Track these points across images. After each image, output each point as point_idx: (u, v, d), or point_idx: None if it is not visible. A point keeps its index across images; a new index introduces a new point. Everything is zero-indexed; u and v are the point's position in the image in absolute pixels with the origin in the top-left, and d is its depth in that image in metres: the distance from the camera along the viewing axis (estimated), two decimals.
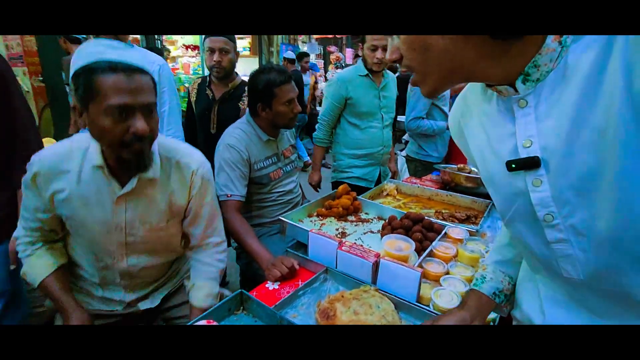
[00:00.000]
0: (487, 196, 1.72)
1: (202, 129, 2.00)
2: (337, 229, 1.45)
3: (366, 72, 2.05)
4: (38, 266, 1.06)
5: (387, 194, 1.90)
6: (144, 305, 1.19)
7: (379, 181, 2.26)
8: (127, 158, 0.91)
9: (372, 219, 1.56)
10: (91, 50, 1.45)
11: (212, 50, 1.85)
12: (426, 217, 1.37)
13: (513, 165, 0.50)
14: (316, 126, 2.22)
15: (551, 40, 0.45)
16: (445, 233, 1.30)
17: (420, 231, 1.28)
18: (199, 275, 1.16)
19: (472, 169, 1.96)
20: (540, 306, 0.61)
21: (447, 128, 2.32)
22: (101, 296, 1.14)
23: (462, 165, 2.01)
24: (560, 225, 0.49)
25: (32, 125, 1.31)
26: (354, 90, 2.06)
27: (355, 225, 1.50)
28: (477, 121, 0.59)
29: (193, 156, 1.11)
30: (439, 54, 0.49)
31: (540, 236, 0.53)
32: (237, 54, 1.95)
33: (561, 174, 0.47)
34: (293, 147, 1.79)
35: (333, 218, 1.54)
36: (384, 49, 1.92)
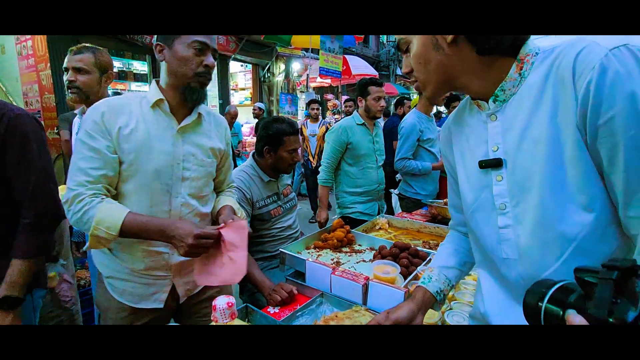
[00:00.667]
0: None
1: None
2: (332, 259, 1.58)
3: (362, 121, 2.43)
4: (114, 209, 1.02)
5: (380, 228, 2.04)
6: (185, 285, 1.22)
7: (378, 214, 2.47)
8: (194, 87, 1.11)
9: (364, 250, 1.70)
10: None
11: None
12: (412, 246, 1.51)
13: (483, 164, 0.67)
14: (320, 169, 2.49)
15: (513, 72, 0.62)
16: (430, 259, 1.43)
17: (406, 257, 1.41)
18: (224, 197, 1.34)
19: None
20: (482, 297, 0.75)
21: (434, 168, 2.54)
22: (146, 251, 1.13)
23: (447, 200, 2.18)
24: (509, 213, 0.65)
25: (43, 191, 1.16)
26: (353, 136, 2.39)
27: (349, 256, 1.63)
28: (463, 132, 0.76)
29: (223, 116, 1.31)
30: (436, 66, 0.67)
31: (493, 224, 0.67)
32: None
33: (512, 173, 0.63)
34: (290, 186, 1.98)
35: (329, 250, 1.68)
36: (383, 98, 2.40)
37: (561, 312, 0.44)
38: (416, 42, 0.68)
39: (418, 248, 1.52)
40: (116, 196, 1.10)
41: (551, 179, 0.57)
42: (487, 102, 0.67)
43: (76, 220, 1.02)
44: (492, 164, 0.66)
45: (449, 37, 0.63)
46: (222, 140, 1.29)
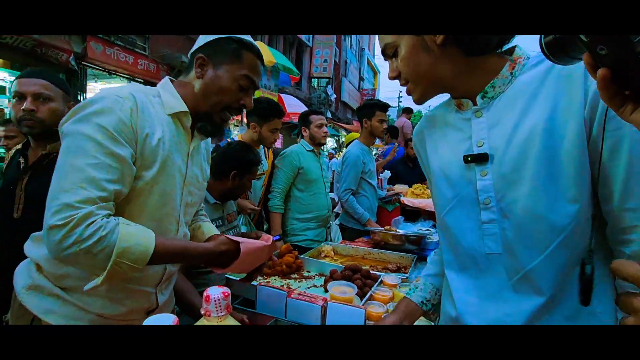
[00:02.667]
0: (412, 252, 1.96)
1: None
2: (281, 286, 1.50)
3: (312, 147, 2.49)
4: (138, 233, 0.79)
5: (325, 255, 2.02)
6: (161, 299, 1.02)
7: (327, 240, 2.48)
8: (214, 121, 0.97)
9: (314, 276, 1.65)
10: None
11: (21, 96, 1.31)
12: (363, 267, 1.52)
13: (469, 159, 0.68)
14: (270, 195, 2.40)
15: (506, 70, 0.67)
16: (382, 280, 1.45)
17: (359, 279, 1.41)
18: (200, 221, 1.19)
19: (398, 230, 2.22)
20: (452, 301, 0.75)
21: (365, 225, 2.57)
22: (133, 291, 0.93)
23: (388, 227, 2.27)
24: (494, 207, 0.66)
25: None
26: (305, 161, 2.42)
27: (299, 282, 1.57)
28: (440, 131, 0.78)
29: None
30: (426, 68, 0.68)
31: (476, 218, 0.69)
32: (69, 105, 1.39)
33: (499, 166, 0.65)
34: (236, 212, 1.88)
35: (277, 276, 1.59)
36: (325, 125, 2.50)
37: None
38: (405, 45, 0.69)
39: (369, 271, 1.53)
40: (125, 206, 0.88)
41: (545, 171, 0.61)
42: (472, 100, 0.71)
43: (82, 250, 0.72)
44: (477, 159, 0.68)
45: (439, 39, 0.65)
46: (208, 160, 1.16)
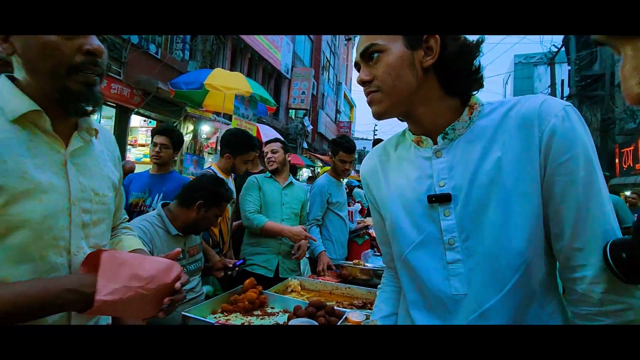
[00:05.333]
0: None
1: None
2: (242, 324, 1.43)
3: (270, 174, 2.51)
4: None
5: (292, 290, 1.96)
6: None
7: (277, 271, 2.35)
8: (76, 89, 0.71)
9: (278, 312, 1.59)
10: None
11: None
12: (328, 304, 1.48)
13: (433, 199, 0.68)
14: (248, 215, 2.34)
15: (465, 115, 0.69)
16: (346, 317, 1.41)
17: (323, 316, 1.37)
18: (128, 238, 0.98)
19: (367, 265, 2.20)
20: None
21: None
22: None
23: (357, 261, 2.25)
24: (458, 247, 0.66)
25: None
26: (263, 185, 2.44)
27: (261, 319, 1.50)
28: (396, 166, 0.76)
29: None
30: (404, 85, 0.67)
31: (440, 258, 0.68)
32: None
33: (463, 207, 0.66)
34: (200, 246, 1.81)
35: (238, 313, 1.52)
36: (272, 151, 2.51)
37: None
38: (394, 52, 0.68)
39: (334, 307, 1.49)
40: None
41: (504, 211, 0.63)
42: (430, 139, 0.72)
43: None
44: (441, 199, 0.68)
45: (428, 62, 0.67)
46: (116, 163, 0.93)
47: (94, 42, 0.72)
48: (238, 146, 2.32)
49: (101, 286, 0.66)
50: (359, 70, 0.74)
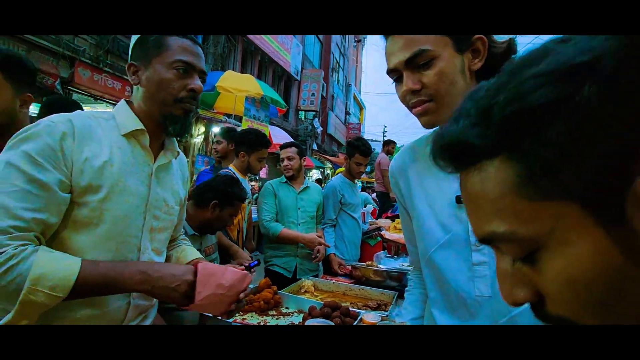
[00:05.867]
0: (393, 288, 1.94)
1: None
2: (258, 323, 1.44)
3: (285, 179, 2.54)
4: (59, 258, 0.72)
5: (305, 291, 1.97)
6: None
7: (295, 272, 2.41)
8: (177, 114, 0.90)
9: (292, 312, 1.60)
10: None
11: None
12: (343, 305, 1.48)
13: (461, 199, 0.66)
14: (266, 225, 2.41)
15: None
16: (361, 318, 1.41)
17: (339, 317, 1.37)
18: (188, 248, 1.14)
19: (380, 266, 2.20)
20: None
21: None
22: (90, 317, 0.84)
23: (370, 262, 2.25)
24: (485, 249, 0.65)
25: None
26: (279, 191, 2.50)
27: (277, 319, 1.51)
28: (425, 165, 0.75)
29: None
30: (458, 91, 0.64)
31: (465, 259, 0.67)
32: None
33: None
34: (215, 245, 1.84)
35: (254, 312, 1.54)
36: (288, 158, 2.51)
37: None
38: (446, 57, 0.64)
39: (349, 308, 1.50)
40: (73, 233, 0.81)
41: None
42: None
43: None
44: None
45: (477, 65, 0.65)
46: (185, 183, 1.10)
47: (197, 82, 0.92)
48: (252, 143, 2.38)
49: (197, 293, 0.83)
50: (395, 78, 0.70)
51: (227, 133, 2.97)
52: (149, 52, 0.90)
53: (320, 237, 2.38)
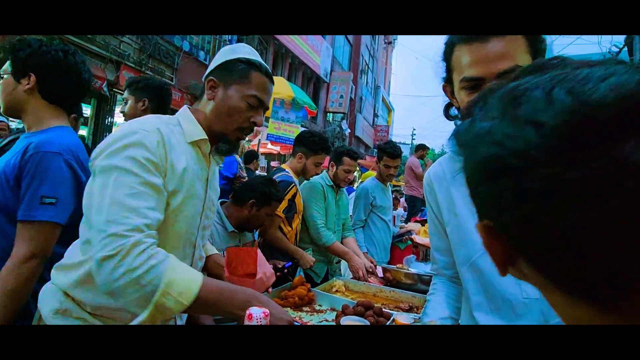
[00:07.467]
0: (424, 292, 1.95)
1: None
2: (294, 318, 1.50)
3: (332, 183, 2.42)
4: (185, 268, 0.78)
5: (337, 290, 2.02)
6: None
7: (326, 277, 2.39)
8: (231, 139, 1.00)
9: (325, 310, 1.65)
10: None
11: None
12: (375, 305, 1.52)
13: None
14: (320, 232, 2.28)
15: None
16: (394, 318, 1.44)
17: (372, 316, 1.41)
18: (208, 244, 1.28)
19: (411, 269, 2.21)
20: None
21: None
22: None
23: (400, 265, 2.26)
24: None
25: None
26: (328, 195, 2.39)
27: (311, 315, 1.57)
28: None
29: None
30: None
31: None
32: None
33: None
34: (252, 243, 1.92)
35: (289, 308, 1.60)
36: (349, 171, 2.39)
37: None
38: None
39: (382, 308, 1.53)
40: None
41: None
42: None
43: (132, 280, 0.71)
44: None
45: None
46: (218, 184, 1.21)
47: (259, 117, 1.01)
48: (314, 144, 2.22)
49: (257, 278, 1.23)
50: (471, 85, 0.68)
51: (131, 85, 1.86)
52: (232, 77, 0.97)
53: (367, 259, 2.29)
